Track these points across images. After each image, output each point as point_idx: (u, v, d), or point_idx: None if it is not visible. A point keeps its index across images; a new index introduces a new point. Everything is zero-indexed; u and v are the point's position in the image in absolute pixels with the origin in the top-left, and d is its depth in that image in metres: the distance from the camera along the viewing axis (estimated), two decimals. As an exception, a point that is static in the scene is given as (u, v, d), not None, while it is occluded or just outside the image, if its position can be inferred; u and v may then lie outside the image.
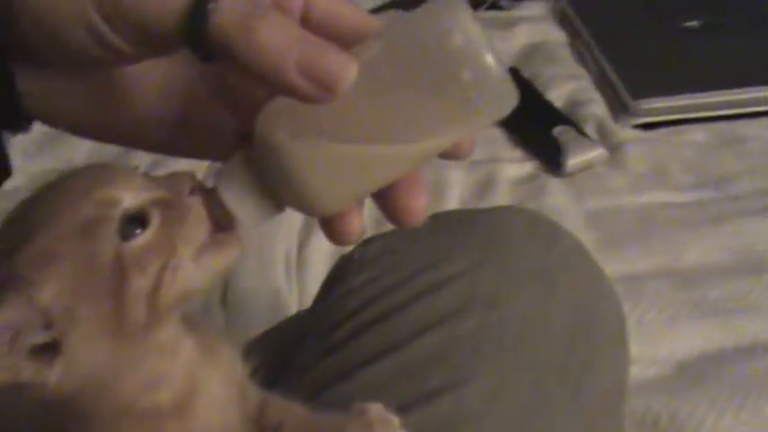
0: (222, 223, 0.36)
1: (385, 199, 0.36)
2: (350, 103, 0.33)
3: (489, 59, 0.32)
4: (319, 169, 0.34)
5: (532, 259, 0.58)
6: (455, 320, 0.54)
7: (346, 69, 0.31)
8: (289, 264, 0.98)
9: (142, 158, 0.83)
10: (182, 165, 0.39)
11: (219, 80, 0.38)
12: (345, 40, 0.34)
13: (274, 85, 0.32)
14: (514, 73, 1.27)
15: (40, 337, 0.34)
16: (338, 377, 0.53)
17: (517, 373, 0.53)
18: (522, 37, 1.36)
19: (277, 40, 0.31)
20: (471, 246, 0.58)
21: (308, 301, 0.91)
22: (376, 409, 0.43)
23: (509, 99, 0.33)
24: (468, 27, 0.32)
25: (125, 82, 0.38)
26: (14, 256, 0.34)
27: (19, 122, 0.38)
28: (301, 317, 0.66)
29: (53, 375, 0.34)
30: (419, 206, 0.36)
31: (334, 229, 0.36)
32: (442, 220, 0.61)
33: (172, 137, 0.39)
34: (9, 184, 0.46)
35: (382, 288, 0.56)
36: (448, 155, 0.36)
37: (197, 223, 0.36)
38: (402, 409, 0.43)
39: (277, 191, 0.35)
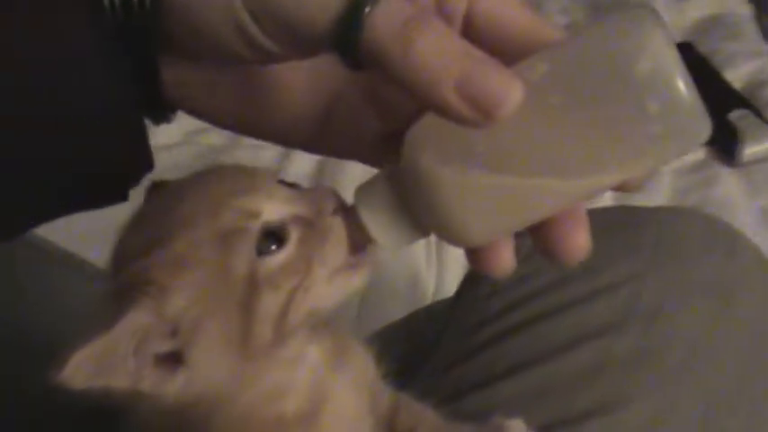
0: (358, 243, 0.35)
1: (540, 232, 0.32)
2: (510, 129, 0.29)
3: (681, 88, 0.28)
4: (468, 199, 0.31)
5: (706, 271, 0.53)
6: (612, 335, 0.50)
7: (511, 92, 0.27)
8: (429, 243, 0.96)
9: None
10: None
11: (367, 84, 0.36)
12: (512, 48, 0.31)
13: (428, 103, 0.29)
14: (688, 48, 1.17)
15: (166, 346, 0.33)
16: (476, 385, 0.50)
17: (681, 401, 0.48)
18: (699, 7, 1.28)
19: (436, 53, 0.28)
20: (636, 251, 0.53)
21: (445, 285, 0.89)
22: (517, 426, 0.41)
23: (700, 133, 0.29)
24: (658, 48, 0.28)
25: (271, 79, 0.36)
26: (149, 258, 0.33)
27: (162, 113, 0.37)
28: (438, 311, 0.63)
29: (174, 386, 0.33)
30: (580, 245, 0.32)
31: (481, 260, 0.33)
32: (603, 219, 0.56)
33: (313, 134, 0.38)
34: (163, 141, 0.44)
35: (531, 291, 0.53)
36: (615, 187, 0.31)
37: (336, 245, 0.35)
38: (543, 431, 0.41)
39: (420, 216, 0.33)
